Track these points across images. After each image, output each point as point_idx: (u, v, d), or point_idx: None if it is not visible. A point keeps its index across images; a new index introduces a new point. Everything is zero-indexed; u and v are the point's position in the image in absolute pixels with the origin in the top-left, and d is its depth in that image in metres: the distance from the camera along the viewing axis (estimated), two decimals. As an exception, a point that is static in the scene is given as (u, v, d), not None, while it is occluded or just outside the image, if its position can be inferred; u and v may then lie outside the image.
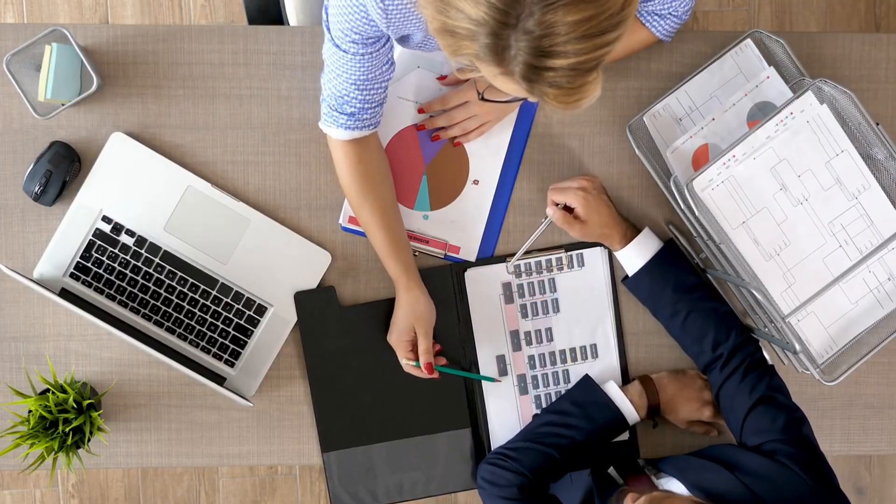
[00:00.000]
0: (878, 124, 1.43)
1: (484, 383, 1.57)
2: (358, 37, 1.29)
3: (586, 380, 1.54)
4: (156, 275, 1.54)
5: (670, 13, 1.45)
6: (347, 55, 1.31)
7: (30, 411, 1.43)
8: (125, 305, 1.54)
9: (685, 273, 1.52)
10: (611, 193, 1.56)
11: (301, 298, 1.54)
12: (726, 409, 1.48)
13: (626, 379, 1.58)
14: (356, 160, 1.43)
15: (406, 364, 1.51)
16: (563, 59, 1.01)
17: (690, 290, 1.51)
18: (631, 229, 1.53)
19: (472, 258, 1.56)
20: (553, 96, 1.06)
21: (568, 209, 1.52)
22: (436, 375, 1.50)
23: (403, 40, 1.37)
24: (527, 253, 1.56)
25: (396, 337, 1.51)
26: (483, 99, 1.26)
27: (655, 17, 1.46)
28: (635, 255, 1.51)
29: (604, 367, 1.57)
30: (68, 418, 1.42)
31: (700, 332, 1.50)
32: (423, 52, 1.52)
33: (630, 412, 1.50)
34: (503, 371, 1.57)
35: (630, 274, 1.53)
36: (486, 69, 1.07)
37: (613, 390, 1.51)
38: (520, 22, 1.00)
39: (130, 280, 1.53)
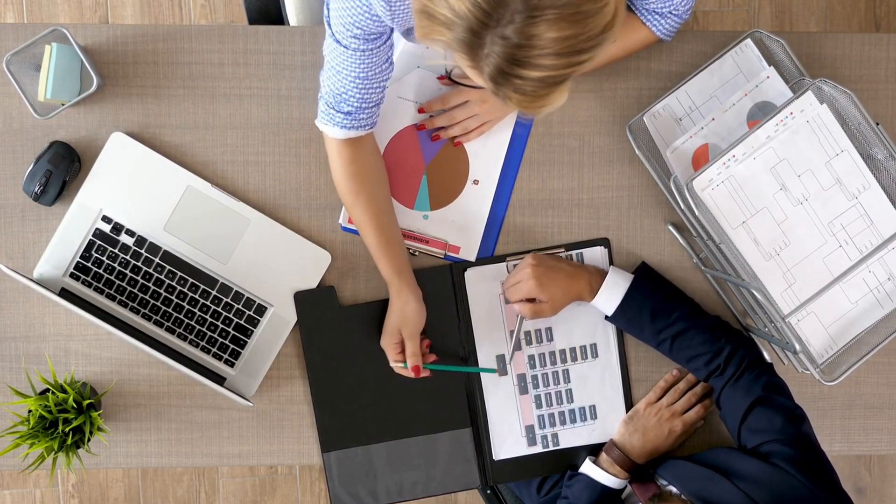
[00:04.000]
0: (878, 124, 1.43)
1: (484, 381, 1.56)
2: (360, 32, 1.29)
3: (567, 474, 1.56)
4: (156, 275, 1.54)
5: (671, 12, 1.44)
6: (348, 51, 1.31)
7: (30, 411, 1.43)
8: (125, 305, 1.54)
9: (660, 300, 1.50)
10: (611, 193, 1.56)
11: (301, 298, 1.54)
12: (725, 413, 1.48)
13: (626, 378, 1.57)
14: (350, 160, 1.43)
15: (395, 366, 1.51)
16: (534, 70, 1.02)
17: (669, 315, 1.49)
18: (595, 277, 1.51)
19: (472, 258, 1.56)
20: (516, 101, 1.06)
21: (530, 298, 1.51)
22: (427, 374, 1.50)
23: (408, 33, 1.37)
24: (526, 252, 1.56)
25: (388, 339, 1.51)
26: (450, 79, 1.26)
27: (655, 16, 1.46)
28: (606, 301, 1.51)
29: (604, 366, 1.57)
30: (68, 418, 1.42)
31: (689, 354, 1.49)
32: (426, 52, 1.52)
33: (612, 480, 1.50)
34: (503, 371, 1.57)
35: (609, 315, 1.53)
36: (457, 57, 1.07)
37: (589, 468, 1.52)
38: (499, 26, 1.00)
39: (130, 280, 1.53)
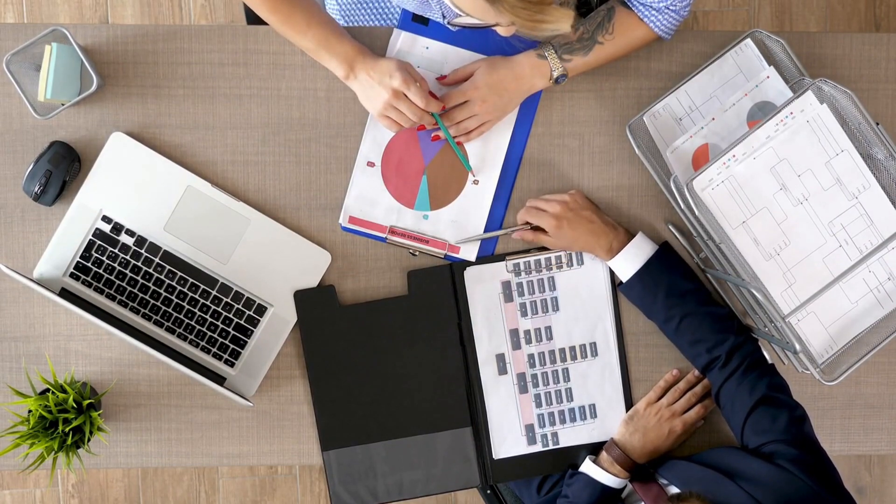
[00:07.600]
0: (878, 124, 1.43)
1: (484, 380, 1.56)
2: None
3: (568, 473, 1.55)
4: (156, 275, 1.54)
5: (668, 8, 1.44)
6: None
7: (30, 411, 1.43)
8: (125, 305, 1.54)
9: (678, 278, 1.51)
10: (611, 193, 1.56)
11: (301, 298, 1.54)
12: (727, 410, 1.48)
13: (626, 377, 1.57)
14: None
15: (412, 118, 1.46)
16: None
17: (684, 294, 1.50)
18: (619, 238, 1.51)
19: (472, 258, 1.56)
20: (510, 7, 1.04)
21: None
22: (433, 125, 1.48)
23: None
24: (527, 251, 1.56)
25: (384, 121, 1.45)
26: (450, 24, 1.25)
27: (652, 12, 1.45)
28: (626, 263, 1.51)
29: (603, 365, 1.57)
30: (68, 418, 1.42)
31: (695, 337, 1.49)
32: (424, 52, 1.52)
33: (613, 480, 1.50)
34: (503, 370, 1.57)
35: (623, 280, 1.53)
36: None
37: (589, 467, 1.52)
38: None
39: (130, 280, 1.53)
